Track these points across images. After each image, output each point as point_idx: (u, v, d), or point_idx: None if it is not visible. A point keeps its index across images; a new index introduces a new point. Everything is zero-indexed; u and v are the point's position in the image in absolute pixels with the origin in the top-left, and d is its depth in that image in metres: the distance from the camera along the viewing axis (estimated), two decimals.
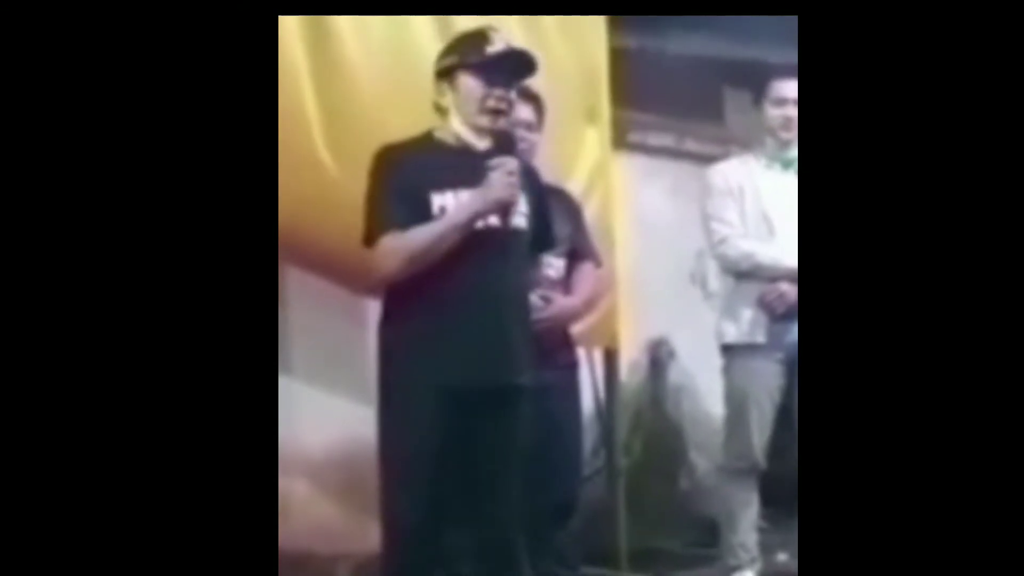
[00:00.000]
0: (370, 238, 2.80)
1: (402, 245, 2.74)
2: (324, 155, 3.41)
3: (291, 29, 3.28)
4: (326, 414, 2.93)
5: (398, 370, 2.80)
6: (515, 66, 2.85)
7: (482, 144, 2.81)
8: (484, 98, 2.80)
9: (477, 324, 2.74)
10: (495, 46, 2.82)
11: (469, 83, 2.82)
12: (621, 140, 4.64)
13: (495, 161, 2.74)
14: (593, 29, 4.09)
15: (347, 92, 3.45)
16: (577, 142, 4.02)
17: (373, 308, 3.74)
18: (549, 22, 3.86)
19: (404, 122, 3.07)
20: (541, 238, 2.98)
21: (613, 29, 4.21)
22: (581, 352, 3.77)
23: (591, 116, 4.11)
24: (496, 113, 2.81)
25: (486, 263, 2.76)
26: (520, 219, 2.84)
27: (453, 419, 2.73)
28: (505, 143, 2.79)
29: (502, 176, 2.72)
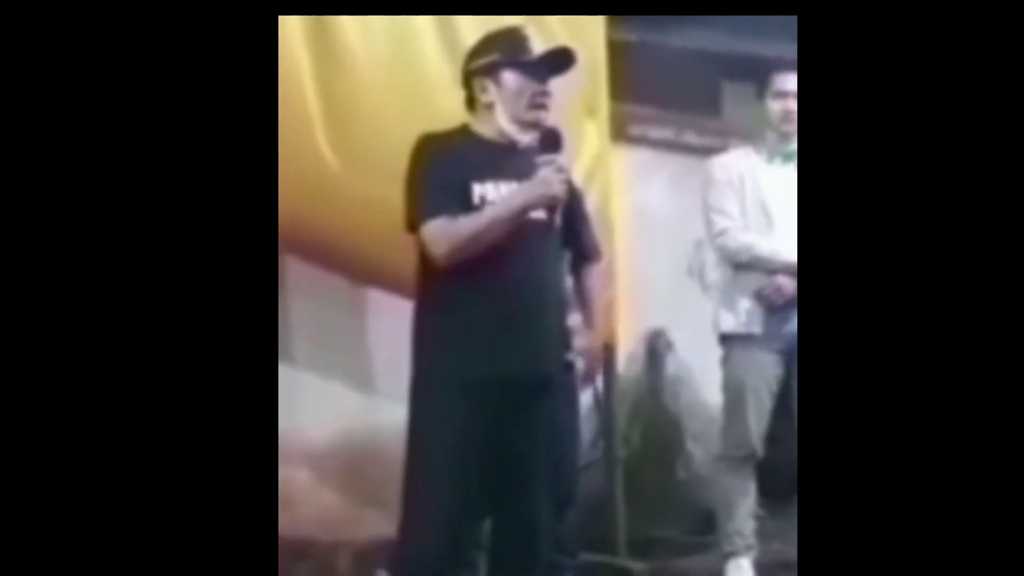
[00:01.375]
0: (413, 224, 2.81)
1: (450, 231, 2.75)
2: (325, 152, 3.43)
3: (291, 29, 3.29)
4: (327, 403, 2.95)
5: (431, 360, 2.81)
6: (558, 63, 2.88)
7: (526, 139, 2.84)
8: (532, 95, 2.83)
9: (515, 316, 2.77)
10: (536, 43, 2.86)
11: (515, 79, 2.84)
12: (620, 133, 4.65)
13: (546, 158, 2.76)
14: (592, 23, 4.11)
15: (347, 92, 3.46)
16: (577, 135, 4.03)
17: (373, 298, 3.77)
18: (549, 20, 3.88)
19: (404, 119, 3.09)
20: (568, 234, 3.02)
21: (612, 23, 4.22)
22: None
23: (590, 109, 4.12)
24: (541, 108, 2.84)
25: (525, 256, 2.78)
26: (547, 212, 2.86)
27: (484, 410, 2.75)
28: (552, 139, 2.81)
29: (553, 172, 2.75)
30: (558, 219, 2.84)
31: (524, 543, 2.87)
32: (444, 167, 2.80)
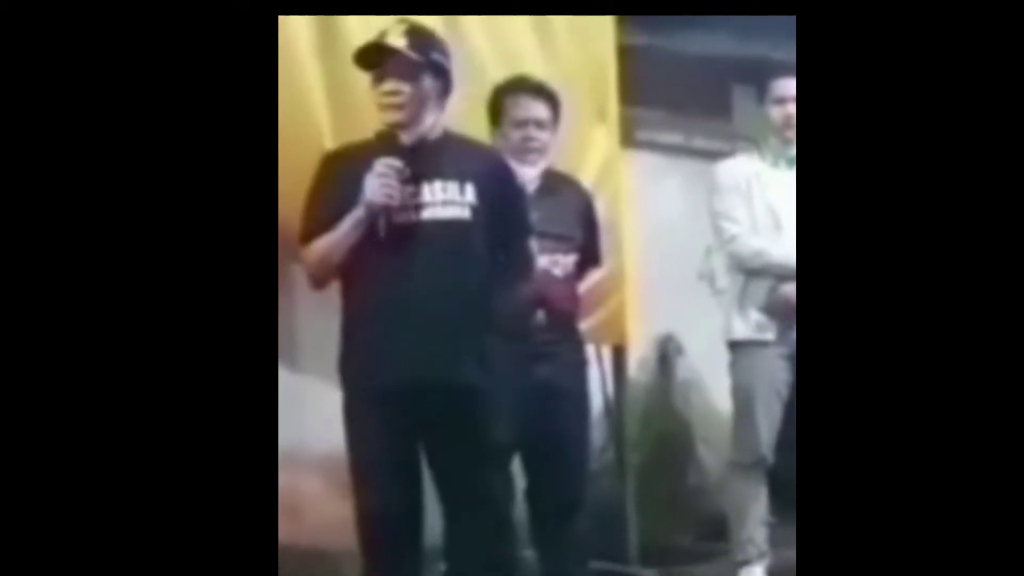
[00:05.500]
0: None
1: (306, 254, 2.85)
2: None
3: (292, 29, 3.29)
4: (333, 411, 2.95)
5: (348, 370, 2.82)
6: (379, 58, 2.86)
7: (406, 138, 2.85)
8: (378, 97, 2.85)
9: (430, 322, 2.74)
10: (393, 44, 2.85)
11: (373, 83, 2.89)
12: (629, 138, 4.64)
13: (379, 161, 2.75)
14: (601, 27, 4.10)
15: (348, 92, 3.45)
16: (586, 140, 4.03)
17: None
18: (557, 21, 3.87)
19: None
20: (495, 228, 2.89)
21: (621, 27, 4.21)
22: (589, 349, 3.78)
23: (600, 114, 4.11)
24: (385, 109, 2.84)
25: (438, 260, 2.76)
26: (461, 210, 2.82)
27: (407, 419, 2.74)
28: (386, 141, 2.81)
29: (374, 177, 2.74)
30: (448, 213, 2.79)
31: (477, 552, 2.84)
32: (337, 184, 2.81)
